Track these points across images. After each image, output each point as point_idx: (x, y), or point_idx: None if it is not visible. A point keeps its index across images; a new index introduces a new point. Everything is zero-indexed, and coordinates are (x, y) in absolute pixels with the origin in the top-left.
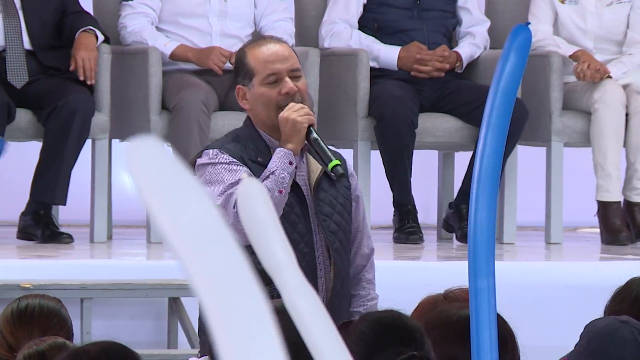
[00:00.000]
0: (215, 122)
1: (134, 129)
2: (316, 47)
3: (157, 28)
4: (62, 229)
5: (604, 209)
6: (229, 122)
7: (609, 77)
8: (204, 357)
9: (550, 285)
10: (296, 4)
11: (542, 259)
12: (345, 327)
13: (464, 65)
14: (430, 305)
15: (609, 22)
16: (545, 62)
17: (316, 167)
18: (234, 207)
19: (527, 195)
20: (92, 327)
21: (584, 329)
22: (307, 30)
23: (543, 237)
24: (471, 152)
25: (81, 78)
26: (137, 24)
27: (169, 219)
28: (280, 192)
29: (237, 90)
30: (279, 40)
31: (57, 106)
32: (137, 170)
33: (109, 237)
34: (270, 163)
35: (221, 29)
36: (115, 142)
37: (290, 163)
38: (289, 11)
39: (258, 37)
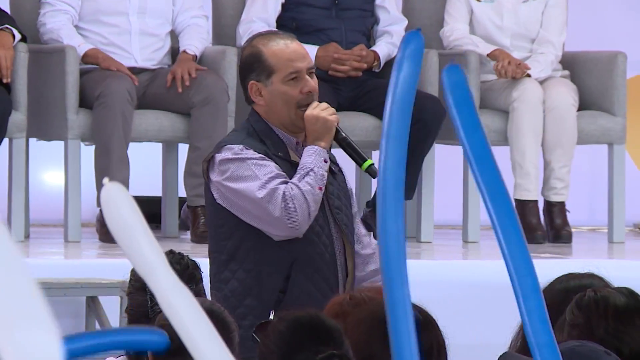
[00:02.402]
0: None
1: (52, 127)
2: (234, 46)
3: (77, 26)
4: None
5: (522, 207)
6: (146, 120)
7: (528, 75)
8: (121, 356)
9: (468, 284)
10: (213, 3)
11: (459, 257)
12: (264, 327)
13: (382, 64)
14: (337, 306)
15: (525, 19)
16: (463, 61)
17: None
18: (281, 202)
19: (444, 194)
20: None
21: None
22: (224, 28)
23: (460, 235)
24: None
25: None
26: (56, 22)
27: None
28: (320, 189)
29: (250, 85)
30: (290, 35)
31: None
32: None
33: (26, 236)
34: (304, 160)
35: (140, 27)
36: (32, 141)
37: (325, 161)
38: (204, 9)
39: (267, 32)
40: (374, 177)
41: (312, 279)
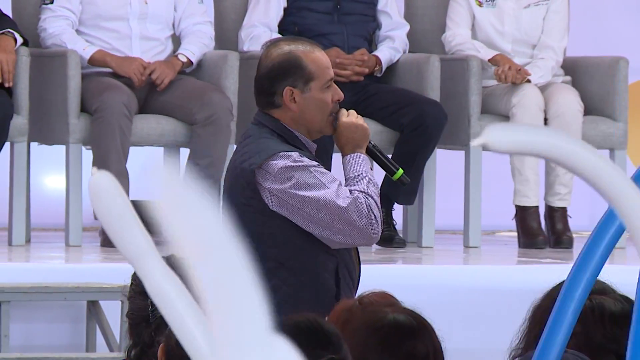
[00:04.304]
0: (134, 125)
1: (53, 132)
2: (235, 50)
3: (77, 31)
4: None
5: (522, 212)
6: (148, 125)
7: (528, 81)
8: None
9: (469, 289)
10: (215, 8)
11: (460, 262)
12: None
13: (383, 69)
14: (346, 312)
15: (526, 25)
16: (464, 66)
17: None
18: (367, 212)
19: (445, 199)
20: (10, 331)
21: None
22: (226, 33)
23: (461, 240)
24: (390, 155)
25: None
26: (57, 27)
27: None
28: (379, 195)
29: (286, 91)
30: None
31: None
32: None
33: (27, 240)
34: (357, 168)
35: (141, 32)
36: (33, 145)
37: (371, 168)
38: (208, 14)
39: (297, 39)
40: (404, 186)
41: (350, 282)
